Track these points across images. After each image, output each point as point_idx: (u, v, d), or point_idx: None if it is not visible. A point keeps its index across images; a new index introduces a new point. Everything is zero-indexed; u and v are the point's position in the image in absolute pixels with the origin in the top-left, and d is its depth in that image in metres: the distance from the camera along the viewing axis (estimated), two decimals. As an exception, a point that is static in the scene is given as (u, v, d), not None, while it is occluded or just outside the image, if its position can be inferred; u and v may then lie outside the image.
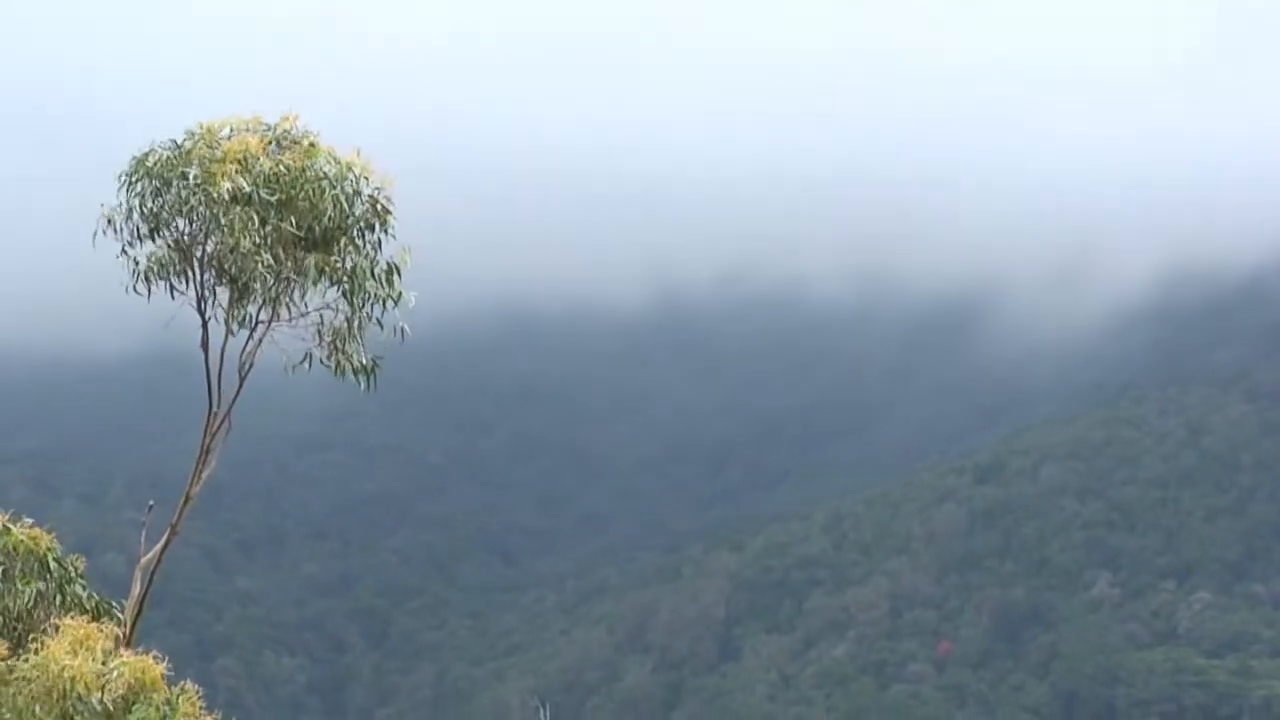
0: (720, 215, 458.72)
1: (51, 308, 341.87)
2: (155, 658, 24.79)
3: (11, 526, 27.92)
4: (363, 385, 29.97)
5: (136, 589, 29.01)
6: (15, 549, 27.69)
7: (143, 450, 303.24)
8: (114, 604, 28.62)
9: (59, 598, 27.47)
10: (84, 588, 28.25)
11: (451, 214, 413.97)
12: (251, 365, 29.30)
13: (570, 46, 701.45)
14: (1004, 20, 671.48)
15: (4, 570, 27.58)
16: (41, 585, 27.48)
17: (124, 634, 27.85)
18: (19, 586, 27.30)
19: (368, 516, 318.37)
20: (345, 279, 29.54)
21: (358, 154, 29.26)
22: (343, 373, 29.88)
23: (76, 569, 28.19)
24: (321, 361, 29.78)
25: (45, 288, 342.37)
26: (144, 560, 29.06)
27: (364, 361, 30.05)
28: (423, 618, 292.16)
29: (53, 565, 27.72)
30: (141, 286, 28.97)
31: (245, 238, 28.19)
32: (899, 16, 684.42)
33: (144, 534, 29.43)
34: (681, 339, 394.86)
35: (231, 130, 29.14)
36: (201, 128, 28.96)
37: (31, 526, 28.24)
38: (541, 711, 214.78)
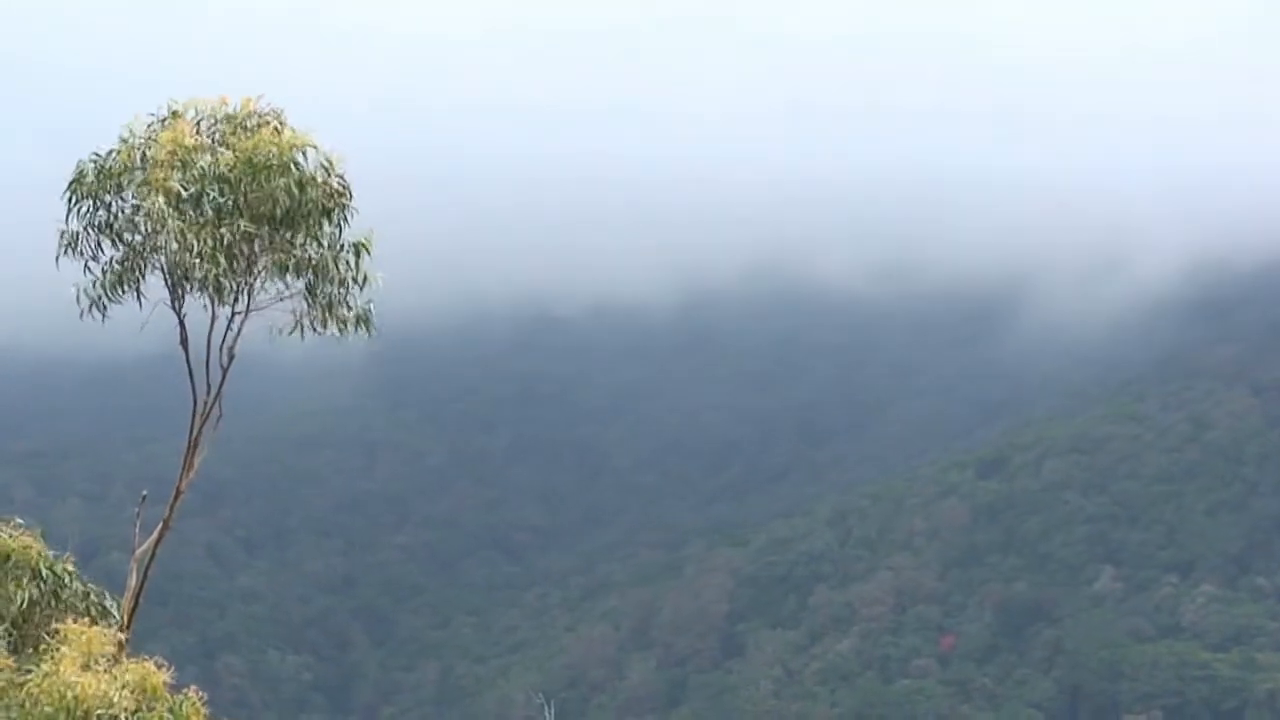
0: (739, 214, 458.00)
1: (52, 308, 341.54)
2: (158, 663, 24.63)
3: (1, 533, 27.66)
4: (366, 334, 29.18)
5: (133, 581, 28.86)
6: (7, 556, 27.45)
7: (145, 449, 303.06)
8: (110, 600, 28.38)
9: (54, 601, 27.28)
10: (81, 585, 28.03)
11: (467, 216, 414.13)
12: (233, 357, 28.87)
13: (593, 45, 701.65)
14: (1025, 18, 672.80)
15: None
16: (35, 591, 27.26)
17: (121, 625, 27.74)
18: (11, 591, 27.08)
19: (371, 514, 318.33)
20: (309, 270, 28.75)
21: (298, 135, 28.23)
22: (342, 327, 29.09)
23: (70, 572, 27.91)
24: (314, 328, 29.16)
25: (45, 289, 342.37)
26: (139, 552, 28.90)
27: (356, 312, 29.17)
28: (426, 615, 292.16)
29: (44, 572, 27.48)
30: (98, 311, 28.41)
31: (193, 245, 27.50)
32: (923, 13, 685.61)
33: (137, 526, 29.21)
34: (684, 336, 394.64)
35: (196, 112, 28.38)
36: (138, 120, 28.22)
37: (22, 529, 27.97)
38: (546, 709, 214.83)
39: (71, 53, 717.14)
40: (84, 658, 24.05)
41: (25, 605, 26.88)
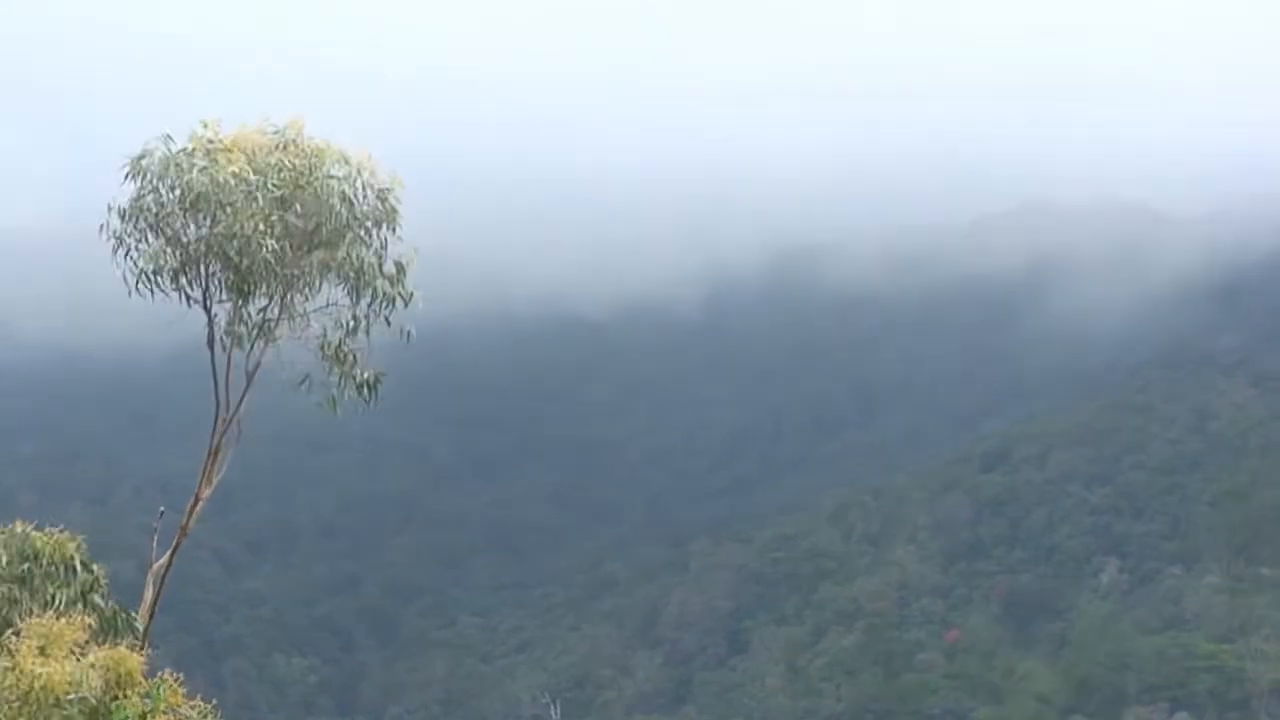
0: (755, 209, 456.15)
1: (58, 309, 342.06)
2: (131, 646, 24.74)
3: (34, 532, 27.96)
4: (368, 401, 29.62)
5: (149, 594, 29.07)
6: (40, 553, 27.71)
7: (151, 453, 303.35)
8: (131, 613, 28.60)
9: (81, 604, 27.49)
10: (103, 597, 28.28)
11: (484, 215, 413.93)
12: (259, 365, 29.17)
13: (613, 43, 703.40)
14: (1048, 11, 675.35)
15: (30, 573, 27.61)
16: (68, 592, 27.49)
17: (140, 638, 27.95)
18: (50, 590, 27.31)
19: (375, 515, 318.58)
20: (352, 274, 29.33)
21: (367, 156, 29.12)
22: (343, 392, 29.49)
23: (99, 577, 28.19)
24: (326, 375, 29.47)
25: (52, 289, 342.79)
26: (155, 566, 29.13)
27: (366, 377, 29.68)
28: (431, 616, 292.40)
29: (79, 570, 27.75)
30: (144, 288, 28.82)
31: (250, 221, 28.07)
32: (941, 10, 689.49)
33: (155, 540, 29.45)
34: (698, 333, 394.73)
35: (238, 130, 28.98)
36: (205, 127, 28.82)
37: (60, 531, 28.28)
38: (552, 708, 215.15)
39: (85, 64, 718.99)
40: (42, 644, 24.07)
41: (59, 608, 27.06)
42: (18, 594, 27.42)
